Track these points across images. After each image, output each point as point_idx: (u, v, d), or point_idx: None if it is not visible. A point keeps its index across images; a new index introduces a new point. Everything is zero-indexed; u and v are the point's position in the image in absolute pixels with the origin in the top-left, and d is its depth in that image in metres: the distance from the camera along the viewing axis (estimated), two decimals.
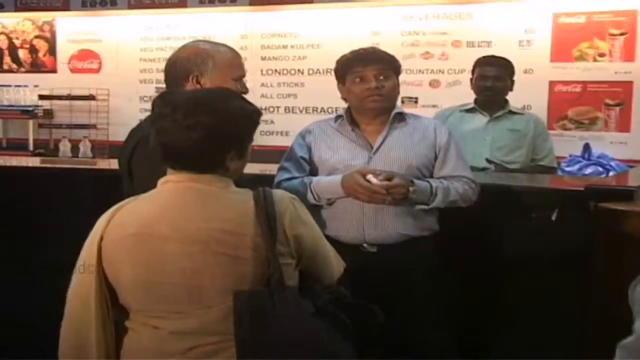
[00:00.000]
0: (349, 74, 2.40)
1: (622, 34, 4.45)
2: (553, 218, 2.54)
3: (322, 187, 2.35)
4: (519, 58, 4.47)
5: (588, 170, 3.89)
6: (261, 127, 5.21)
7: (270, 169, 2.71)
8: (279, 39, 5.27)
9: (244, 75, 2.15)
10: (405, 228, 2.35)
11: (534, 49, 4.65)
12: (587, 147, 4.03)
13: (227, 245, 1.54)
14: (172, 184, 1.62)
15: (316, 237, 1.70)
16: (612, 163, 3.93)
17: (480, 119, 3.59)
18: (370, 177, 2.23)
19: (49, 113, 5.78)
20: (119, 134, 5.53)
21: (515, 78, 3.61)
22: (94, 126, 5.65)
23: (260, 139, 5.15)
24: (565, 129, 4.64)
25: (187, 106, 1.58)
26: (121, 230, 1.60)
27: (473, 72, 3.62)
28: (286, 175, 2.43)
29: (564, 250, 2.54)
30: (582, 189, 2.33)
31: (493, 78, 3.51)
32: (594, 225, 2.18)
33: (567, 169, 3.94)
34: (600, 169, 3.89)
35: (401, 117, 2.44)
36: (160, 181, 1.65)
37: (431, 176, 2.40)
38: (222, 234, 1.54)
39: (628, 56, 4.45)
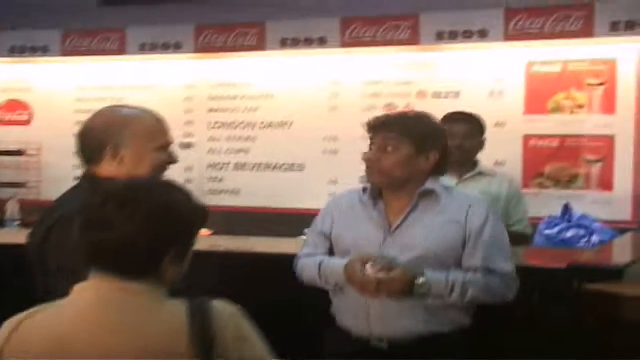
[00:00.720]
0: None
1: (600, 84, 4.25)
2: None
3: (328, 271, 2.26)
4: (490, 109, 4.34)
5: (568, 234, 3.69)
6: (209, 185, 4.83)
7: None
8: (228, 89, 4.99)
9: (169, 143, 1.99)
10: (416, 325, 2.17)
11: (506, 100, 4.44)
12: (566, 208, 3.80)
13: None
14: (91, 293, 1.43)
15: (262, 357, 1.51)
16: (595, 225, 3.73)
17: (447, 182, 3.28)
18: (368, 266, 2.10)
19: None
20: (52, 193, 5.19)
21: (486, 133, 3.40)
22: (23, 184, 5.31)
23: (208, 198, 4.89)
24: (543, 187, 4.40)
25: (123, 194, 1.45)
26: (24, 348, 1.41)
27: None
28: (306, 250, 2.40)
29: (546, 334, 2.42)
30: (564, 267, 2.25)
31: (461, 136, 3.29)
32: (579, 308, 2.12)
33: (546, 231, 3.73)
34: (582, 231, 3.69)
35: (432, 194, 2.24)
36: (77, 288, 1.45)
37: (459, 265, 2.20)
38: (150, 356, 1.38)
39: (608, 108, 4.25)
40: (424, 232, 2.19)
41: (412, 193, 2.21)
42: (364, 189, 2.31)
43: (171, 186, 1.55)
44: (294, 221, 4.59)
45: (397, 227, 2.22)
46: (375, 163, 2.20)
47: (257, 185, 4.86)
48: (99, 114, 2.00)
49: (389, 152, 2.18)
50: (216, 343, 1.41)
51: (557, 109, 4.33)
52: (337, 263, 2.23)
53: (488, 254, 2.17)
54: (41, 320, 1.44)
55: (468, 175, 3.34)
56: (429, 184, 2.22)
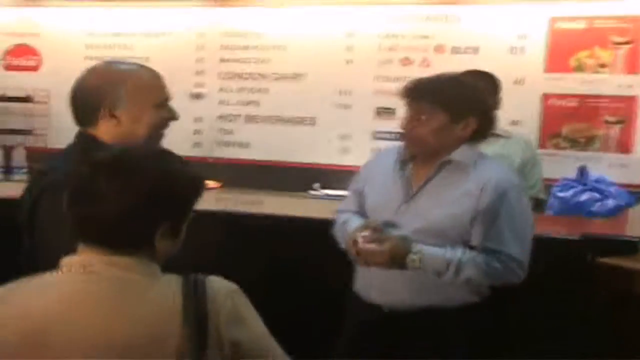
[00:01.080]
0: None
1: (626, 43, 4.14)
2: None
3: (344, 234, 2.24)
4: (510, 67, 4.28)
5: (583, 197, 3.68)
6: (219, 137, 4.79)
7: None
8: (240, 39, 4.88)
9: (168, 99, 1.90)
10: (418, 297, 2.15)
11: (527, 56, 4.33)
12: (582, 171, 3.78)
13: (145, 352, 1.30)
14: (79, 267, 1.35)
15: (260, 343, 1.42)
16: (611, 188, 3.70)
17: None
18: (360, 234, 2.09)
19: None
20: (60, 141, 5.18)
21: (503, 92, 3.34)
22: (30, 132, 5.24)
23: (217, 151, 4.88)
24: (559, 148, 4.33)
25: (113, 165, 1.35)
26: (8, 329, 1.30)
27: None
28: (342, 206, 2.41)
29: (556, 307, 2.37)
30: (578, 238, 2.23)
31: None
32: (592, 282, 2.07)
33: (560, 194, 3.71)
34: (597, 195, 3.67)
35: (459, 164, 2.16)
36: (64, 262, 1.36)
37: (467, 243, 2.13)
38: (140, 338, 1.30)
39: (632, 68, 4.14)
40: (434, 203, 2.13)
41: (436, 160, 2.17)
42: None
43: (166, 155, 1.45)
44: (304, 176, 4.58)
45: (414, 195, 2.18)
46: (409, 132, 2.14)
47: (268, 139, 4.81)
48: (92, 71, 1.90)
49: (422, 121, 2.11)
50: (210, 324, 1.35)
51: (580, 67, 4.24)
52: (352, 226, 2.21)
53: (495, 234, 2.08)
54: (19, 300, 1.35)
55: None
56: (456, 154, 2.14)
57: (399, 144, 2.30)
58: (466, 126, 2.14)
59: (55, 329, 1.29)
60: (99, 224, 1.33)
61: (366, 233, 2.07)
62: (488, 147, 3.15)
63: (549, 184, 3.67)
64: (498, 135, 3.26)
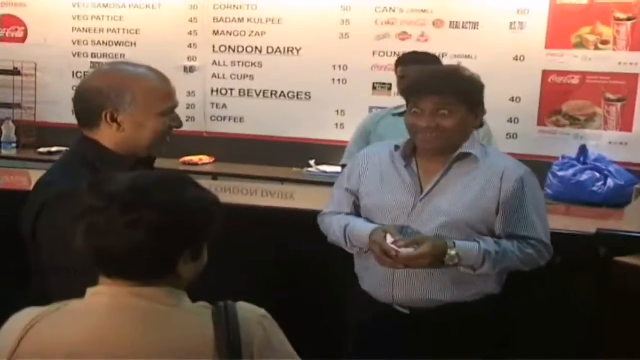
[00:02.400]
0: (409, 101, 2.17)
1: (629, 19, 4.13)
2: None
3: (356, 235, 2.20)
4: (510, 43, 4.30)
5: (584, 177, 3.66)
6: (212, 111, 4.76)
7: None
8: (234, 11, 4.85)
9: (175, 107, 1.85)
10: (443, 293, 2.14)
11: (527, 33, 4.32)
12: (582, 150, 3.77)
13: None
14: (106, 299, 1.34)
15: None
16: (611, 168, 3.70)
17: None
18: (388, 237, 2.04)
19: None
20: (48, 115, 5.22)
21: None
22: (18, 105, 5.22)
23: (210, 125, 4.88)
24: (559, 126, 4.34)
25: (127, 198, 1.32)
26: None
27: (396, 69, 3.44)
28: (331, 208, 2.35)
29: (566, 303, 2.38)
30: (593, 232, 2.20)
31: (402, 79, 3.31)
32: (606, 280, 2.06)
33: (560, 173, 3.70)
34: (597, 174, 3.66)
35: (470, 157, 2.15)
36: (91, 292, 1.36)
37: (492, 233, 2.13)
38: None
39: (634, 45, 4.14)
40: (455, 198, 2.13)
41: (449, 156, 2.15)
42: (396, 147, 2.23)
43: (181, 183, 1.42)
44: (300, 151, 4.59)
45: (429, 192, 2.16)
46: (435, 127, 2.09)
47: (262, 113, 4.79)
48: (97, 73, 1.86)
49: (445, 114, 2.09)
50: (244, 355, 1.33)
51: (581, 44, 4.23)
52: (363, 229, 2.17)
53: (523, 221, 2.12)
54: (54, 326, 1.35)
55: None
56: (467, 146, 2.15)
57: (385, 143, 2.31)
58: (477, 117, 2.16)
59: (91, 358, 1.29)
60: (116, 256, 1.32)
61: (392, 238, 2.04)
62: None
63: (548, 162, 3.70)
64: None
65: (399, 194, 2.18)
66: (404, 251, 2.01)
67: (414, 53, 3.51)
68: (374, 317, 2.22)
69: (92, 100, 1.77)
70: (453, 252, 2.04)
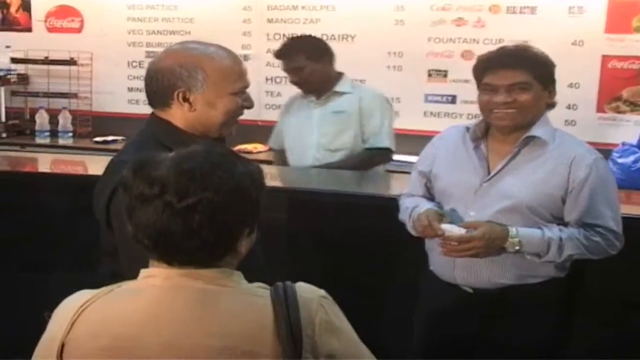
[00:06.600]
0: (482, 80, 2.23)
1: None
2: None
3: (415, 219, 2.28)
4: (568, 27, 4.38)
5: None
6: (266, 99, 5.00)
7: None
8: None
9: (246, 87, 1.89)
10: (505, 276, 2.23)
11: (586, 17, 4.40)
12: None
13: None
14: (159, 281, 1.36)
15: (353, 351, 1.41)
16: None
17: (307, 104, 3.69)
18: (446, 225, 2.15)
19: (23, 79, 5.55)
20: (104, 105, 5.50)
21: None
22: (74, 95, 5.46)
23: (264, 113, 4.99)
24: (619, 112, 4.42)
25: (180, 182, 1.31)
26: (91, 341, 1.32)
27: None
28: (407, 189, 2.46)
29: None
30: None
31: (291, 71, 3.58)
32: None
33: (620, 160, 3.79)
34: None
35: (538, 140, 2.21)
36: (143, 274, 1.38)
37: (560, 219, 2.20)
38: (228, 354, 1.29)
39: None
40: (521, 182, 2.17)
41: (519, 137, 2.20)
42: (468, 128, 2.30)
43: (226, 156, 1.41)
44: None
45: (495, 174, 2.22)
46: (511, 104, 2.15)
47: None
48: (168, 52, 1.89)
49: (520, 91, 2.15)
50: (304, 336, 1.32)
51: None
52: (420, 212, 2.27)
53: (591, 208, 2.14)
54: (106, 308, 1.36)
55: (325, 95, 3.60)
56: (536, 129, 2.20)
57: (460, 125, 2.39)
58: (550, 94, 2.23)
59: (142, 339, 1.30)
60: (176, 243, 1.32)
61: (444, 224, 2.15)
62: (329, 105, 3.56)
63: (608, 149, 3.72)
64: (338, 92, 3.60)
65: (466, 175, 2.26)
66: (455, 230, 2.11)
67: (283, 44, 3.70)
68: (440, 294, 2.33)
69: (164, 80, 1.81)
70: (515, 239, 2.11)
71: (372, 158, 3.61)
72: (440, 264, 2.30)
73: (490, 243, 2.12)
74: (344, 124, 3.57)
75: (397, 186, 2.96)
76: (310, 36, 3.89)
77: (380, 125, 3.57)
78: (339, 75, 3.65)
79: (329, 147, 3.57)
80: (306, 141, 3.62)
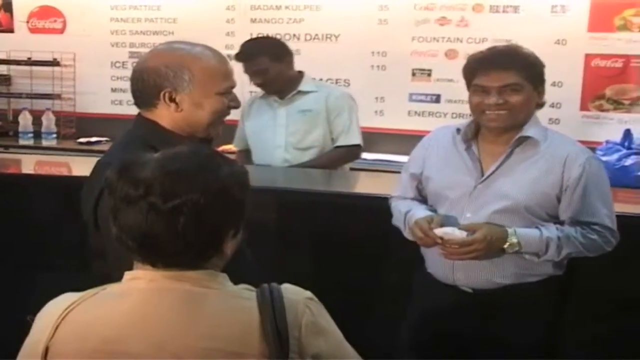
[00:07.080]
0: (472, 81, 2.24)
1: None
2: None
3: (411, 224, 2.27)
4: (551, 26, 4.39)
5: (628, 161, 3.77)
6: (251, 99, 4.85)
7: None
8: None
9: (233, 86, 1.89)
10: (505, 276, 2.24)
11: (569, 16, 4.42)
12: (627, 134, 3.88)
13: None
14: (143, 283, 1.35)
15: (339, 351, 1.42)
16: None
17: (270, 104, 3.71)
18: (446, 229, 2.15)
19: (6, 80, 5.53)
20: (88, 105, 5.46)
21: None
22: (58, 96, 5.43)
23: None
24: (602, 110, 4.44)
25: (165, 183, 1.30)
26: (76, 344, 1.32)
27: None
28: (398, 192, 2.45)
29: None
30: None
31: (255, 73, 3.57)
32: None
33: (604, 158, 3.78)
34: None
35: (531, 140, 2.23)
36: (128, 276, 1.37)
37: (556, 218, 2.22)
38: (215, 355, 1.29)
39: None
40: (516, 182, 2.18)
41: (511, 138, 2.21)
42: (458, 130, 2.30)
43: (210, 156, 1.41)
44: None
45: (489, 175, 2.22)
46: (502, 105, 2.15)
47: None
48: (154, 52, 1.89)
49: (511, 92, 2.16)
50: (290, 338, 1.32)
51: (625, 26, 4.29)
52: (422, 214, 2.27)
53: (587, 207, 2.16)
54: (93, 309, 1.35)
55: (289, 95, 3.61)
56: (528, 129, 2.21)
57: (449, 125, 2.39)
58: (540, 95, 2.23)
59: (129, 342, 1.30)
60: (161, 245, 1.32)
61: (442, 228, 2.14)
62: (294, 105, 3.57)
63: (592, 148, 3.74)
64: (303, 92, 3.62)
65: (459, 176, 2.26)
66: (456, 233, 2.11)
67: (246, 46, 3.68)
68: (438, 294, 2.33)
69: (150, 80, 1.80)
70: (514, 240, 2.12)
71: (344, 155, 3.65)
72: (439, 266, 2.31)
73: (491, 245, 2.13)
74: (312, 123, 3.60)
75: (382, 185, 2.95)
76: (269, 37, 3.95)
77: (349, 123, 3.61)
78: (300, 74, 3.68)
79: (298, 145, 3.59)
80: (273, 141, 3.63)
